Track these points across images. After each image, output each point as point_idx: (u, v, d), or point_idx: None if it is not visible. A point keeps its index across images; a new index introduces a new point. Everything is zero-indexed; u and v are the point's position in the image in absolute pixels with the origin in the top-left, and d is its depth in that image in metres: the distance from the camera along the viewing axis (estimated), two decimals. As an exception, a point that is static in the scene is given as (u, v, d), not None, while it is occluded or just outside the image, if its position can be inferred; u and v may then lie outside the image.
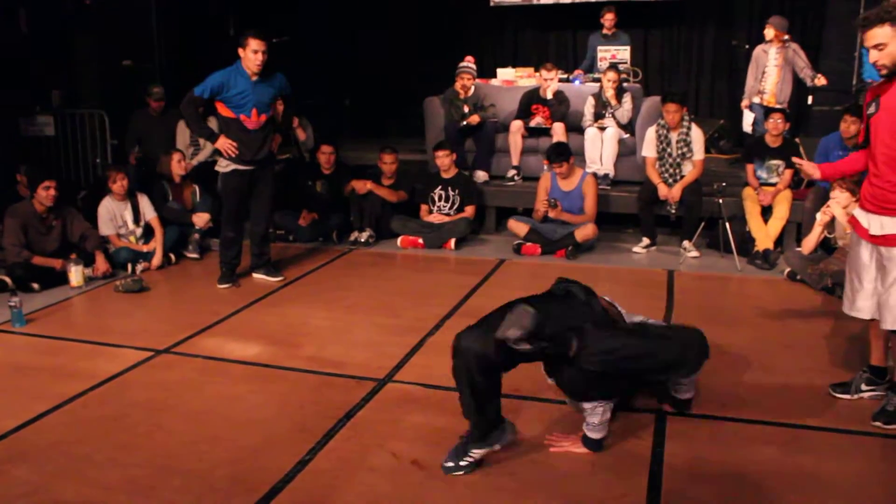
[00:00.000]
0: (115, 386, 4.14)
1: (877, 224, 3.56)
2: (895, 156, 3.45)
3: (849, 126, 6.51)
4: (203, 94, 5.59)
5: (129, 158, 8.28)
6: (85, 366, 4.41)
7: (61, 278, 5.95)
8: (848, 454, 3.36)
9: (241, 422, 3.70)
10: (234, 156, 5.71)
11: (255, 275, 6.17)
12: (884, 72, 3.44)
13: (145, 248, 6.54)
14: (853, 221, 3.76)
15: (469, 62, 8.18)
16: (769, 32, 7.82)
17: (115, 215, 6.51)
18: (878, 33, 3.35)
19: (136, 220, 6.61)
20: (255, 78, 5.63)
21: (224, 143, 5.68)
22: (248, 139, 5.73)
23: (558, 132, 7.68)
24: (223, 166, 5.87)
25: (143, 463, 3.32)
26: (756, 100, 8.06)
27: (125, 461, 3.34)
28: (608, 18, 9.16)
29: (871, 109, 3.55)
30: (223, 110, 5.70)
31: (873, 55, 3.42)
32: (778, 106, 7.77)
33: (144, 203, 6.67)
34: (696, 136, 6.90)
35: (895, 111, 3.44)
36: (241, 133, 5.70)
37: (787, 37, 7.85)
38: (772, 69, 7.88)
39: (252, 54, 5.53)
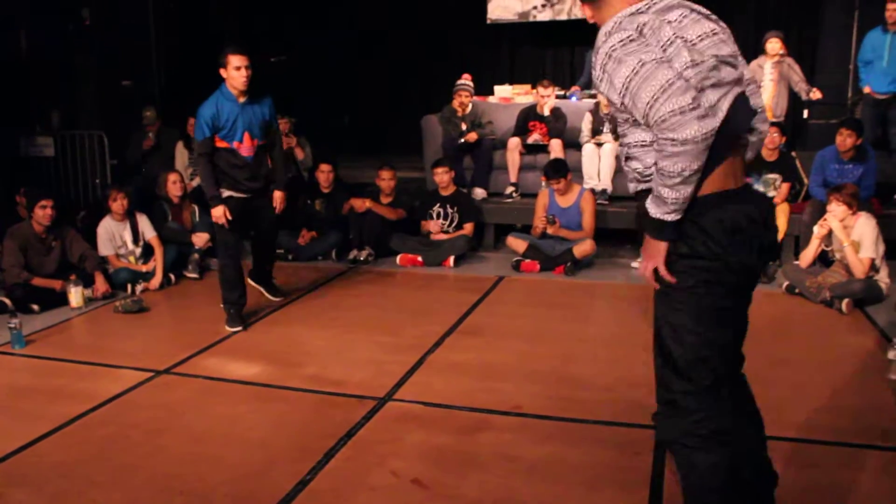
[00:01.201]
0: (115, 407, 4.14)
1: None
2: None
3: (845, 139, 6.54)
4: (205, 133, 5.21)
5: (144, 144, 8.36)
6: (85, 387, 4.40)
7: (61, 299, 5.95)
8: (850, 468, 3.35)
9: (241, 442, 3.70)
10: (225, 225, 5.35)
11: (250, 282, 5.90)
12: None
13: (144, 269, 6.55)
14: None
15: (466, 80, 8.22)
16: (776, 45, 7.85)
17: (114, 235, 6.53)
18: None
19: (136, 241, 6.62)
20: (242, 99, 5.24)
21: (218, 212, 5.30)
22: (245, 168, 5.39)
23: (556, 148, 7.71)
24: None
25: (144, 484, 3.32)
26: None
27: (126, 482, 3.34)
28: None
29: None
30: (216, 142, 5.30)
31: None
32: (774, 120, 7.80)
33: (144, 223, 6.68)
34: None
35: None
36: (236, 162, 5.35)
37: (783, 51, 7.90)
38: (767, 83, 7.92)
39: (235, 72, 5.13)
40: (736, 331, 2.49)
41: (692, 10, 2.33)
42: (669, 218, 2.24)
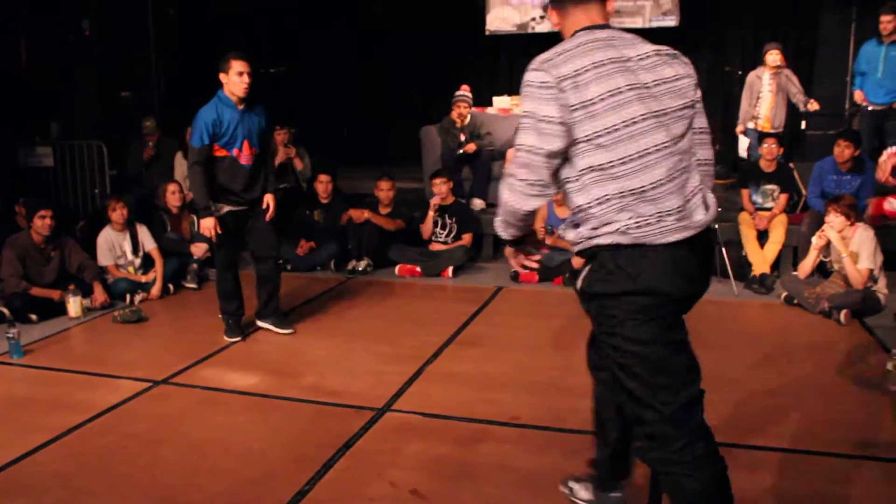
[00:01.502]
0: (113, 417, 4.13)
1: None
2: None
3: (843, 150, 6.56)
4: (203, 141, 5.05)
5: (145, 153, 8.37)
6: (83, 397, 4.40)
7: (59, 309, 5.95)
8: (847, 479, 3.35)
9: (240, 452, 3.69)
10: (213, 239, 5.25)
11: (259, 323, 5.59)
12: None
13: (144, 279, 6.55)
14: None
15: (465, 91, 8.24)
16: (776, 57, 7.87)
17: (113, 245, 6.53)
18: None
19: (135, 251, 6.62)
20: (241, 106, 5.14)
21: (208, 223, 5.15)
22: (244, 177, 5.27)
23: (554, 159, 7.71)
24: (215, 208, 5.27)
25: (142, 495, 3.31)
26: (750, 125, 8.13)
27: (124, 493, 3.33)
28: None
29: None
30: (214, 150, 5.16)
31: None
32: (772, 131, 7.83)
33: (143, 233, 6.69)
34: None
35: None
36: (236, 171, 5.21)
37: (782, 63, 7.94)
38: (766, 94, 7.95)
39: (237, 77, 5.06)
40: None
41: (616, 61, 2.35)
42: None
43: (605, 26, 2.50)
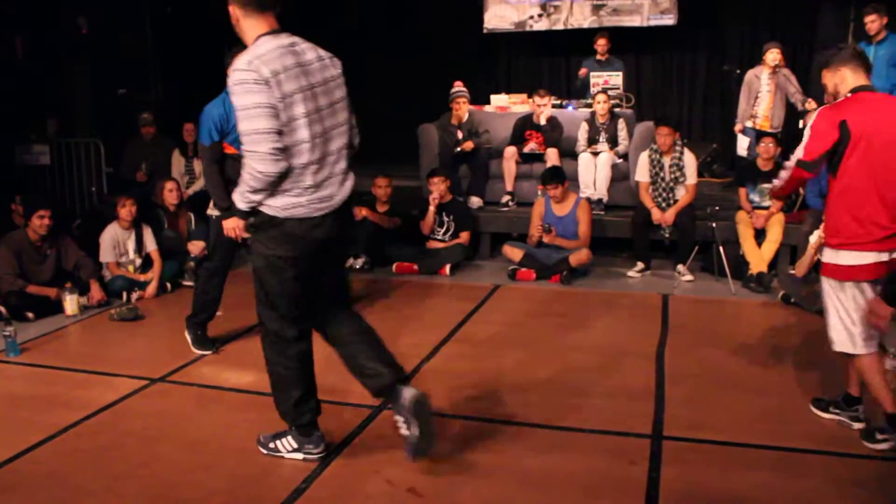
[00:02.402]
0: (110, 415, 4.13)
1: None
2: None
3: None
4: (213, 138, 4.81)
5: (137, 176, 8.29)
6: (80, 395, 4.39)
7: (56, 307, 5.94)
8: (844, 478, 3.36)
9: (237, 450, 3.69)
10: (238, 240, 4.79)
11: None
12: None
13: (143, 278, 6.53)
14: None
15: (459, 86, 8.22)
16: (776, 56, 7.88)
17: (118, 242, 6.51)
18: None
19: (138, 250, 6.61)
20: None
21: (231, 224, 4.74)
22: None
23: (552, 157, 7.72)
24: (212, 211, 5.06)
25: (138, 493, 3.31)
26: (749, 124, 8.13)
27: (121, 491, 3.33)
28: (601, 44, 9.24)
29: None
30: (224, 148, 4.90)
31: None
32: (771, 130, 7.84)
33: (148, 234, 6.66)
34: (689, 160, 6.95)
35: None
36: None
37: (782, 63, 7.94)
38: (764, 94, 7.95)
39: None
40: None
41: (298, 65, 3.15)
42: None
43: (281, 31, 3.22)
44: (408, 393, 3.35)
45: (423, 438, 3.30)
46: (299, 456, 3.53)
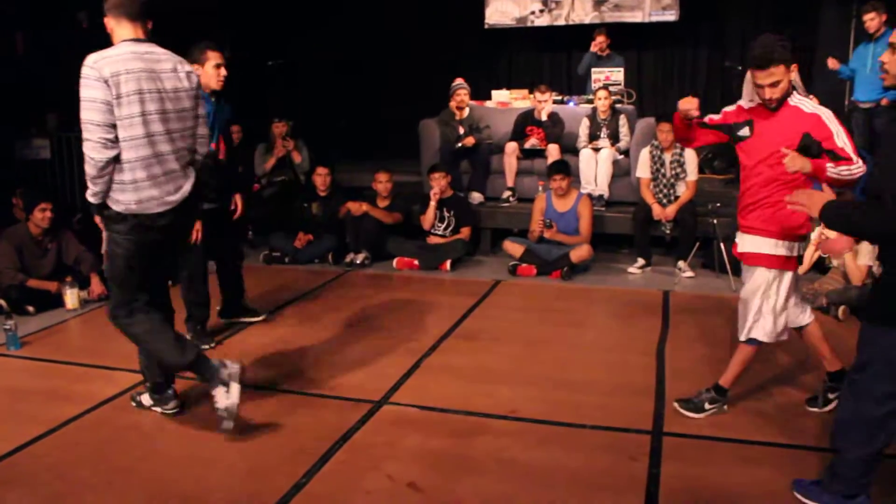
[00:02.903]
0: (110, 409, 4.13)
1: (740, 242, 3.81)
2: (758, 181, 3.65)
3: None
4: None
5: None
6: (80, 389, 4.39)
7: (56, 301, 5.94)
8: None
9: (236, 444, 3.69)
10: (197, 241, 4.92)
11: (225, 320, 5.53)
12: (773, 105, 3.61)
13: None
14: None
15: (460, 81, 8.22)
16: None
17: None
18: (775, 72, 3.51)
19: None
20: (213, 98, 4.89)
21: (197, 226, 4.83)
22: (221, 173, 5.01)
23: (553, 153, 7.72)
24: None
25: (139, 486, 3.31)
26: None
27: (121, 485, 3.33)
28: (599, 41, 9.22)
29: (744, 132, 3.74)
30: None
31: (768, 92, 3.57)
32: None
33: None
34: (690, 156, 6.95)
35: (771, 142, 3.59)
36: (215, 166, 4.87)
37: None
38: None
39: (214, 69, 4.83)
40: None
41: (146, 70, 3.57)
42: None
43: (145, 40, 3.64)
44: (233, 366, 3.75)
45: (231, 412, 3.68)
46: (158, 409, 4.02)
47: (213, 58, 4.86)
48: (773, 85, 3.54)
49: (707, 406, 3.89)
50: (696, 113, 3.93)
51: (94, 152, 3.45)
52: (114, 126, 3.47)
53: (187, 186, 3.75)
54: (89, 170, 3.49)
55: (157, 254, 3.78)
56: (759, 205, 3.67)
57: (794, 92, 3.66)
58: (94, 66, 3.45)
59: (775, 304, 3.70)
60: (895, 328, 2.76)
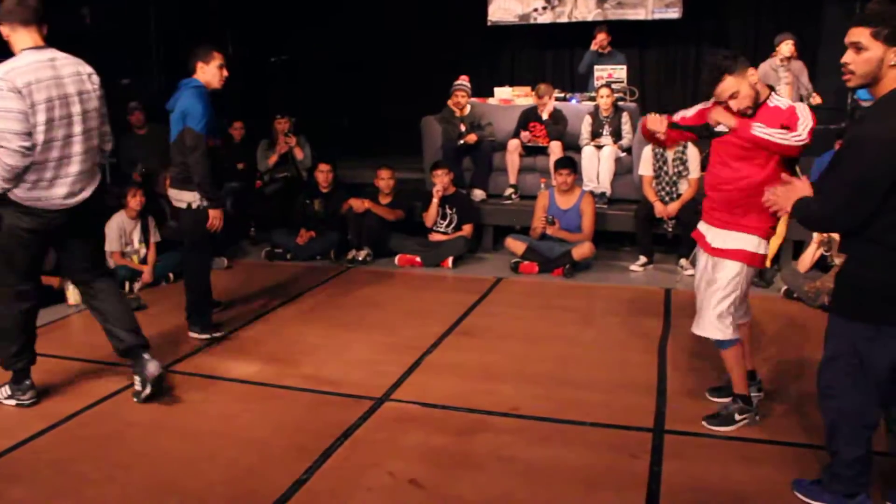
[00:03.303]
0: (112, 404, 4.14)
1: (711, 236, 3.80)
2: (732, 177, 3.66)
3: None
4: (205, 129, 4.94)
5: (134, 176, 8.27)
6: (82, 384, 4.40)
7: (59, 297, 5.94)
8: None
9: (238, 440, 3.69)
10: (218, 230, 5.18)
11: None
12: (749, 112, 3.60)
13: (144, 268, 6.53)
14: (697, 235, 3.95)
15: (463, 80, 8.21)
16: (788, 48, 7.84)
17: (124, 232, 6.51)
18: (726, 87, 3.58)
19: (143, 241, 6.60)
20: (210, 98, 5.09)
21: (217, 215, 5.10)
22: (219, 167, 5.26)
23: (555, 150, 7.71)
24: (194, 199, 5.06)
25: (140, 482, 3.32)
26: None
27: (123, 480, 3.34)
28: (600, 39, 9.18)
29: (722, 127, 3.72)
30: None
31: (734, 105, 3.61)
32: None
33: (153, 226, 6.66)
34: (693, 154, 6.93)
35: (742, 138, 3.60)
36: (216, 161, 5.10)
37: (794, 54, 7.90)
38: (783, 86, 7.88)
39: (218, 70, 5.05)
40: None
41: (53, 78, 3.79)
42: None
43: (44, 46, 3.83)
44: (152, 366, 4.08)
45: (148, 397, 4.07)
46: (13, 402, 4.07)
47: (218, 58, 5.08)
48: (733, 97, 3.56)
49: (738, 417, 3.78)
50: (663, 137, 3.96)
51: (12, 160, 3.64)
52: (30, 134, 3.67)
53: (90, 189, 3.99)
54: (3, 173, 3.65)
55: (47, 246, 4.09)
56: (739, 202, 3.66)
57: (773, 93, 3.66)
58: (7, 78, 3.63)
59: (736, 299, 3.71)
60: (858, 320, 2.82)
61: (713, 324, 3.70)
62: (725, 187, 3.69)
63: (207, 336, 5.17)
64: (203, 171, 4.94)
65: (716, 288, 3.69)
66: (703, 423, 3.78)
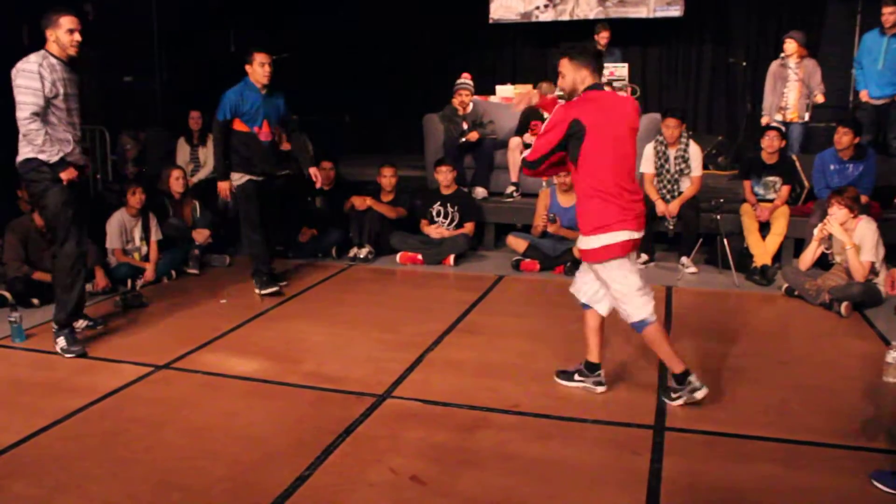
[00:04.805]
0: (114, 401, 4.15)
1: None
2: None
3: (841, 137, 6.56)
4: (225, 115, 5.89)
5: (126, 171, 8.32)
6: (85, 381, 4.41)
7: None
8: (846, 470, 3.36)
9: (240, 437, 3.70)
10: (227, 199, 6.30)
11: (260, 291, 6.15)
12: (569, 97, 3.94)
13: (146, 266, 6.54)
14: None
15: (466, 78, 8.22)
16: (791, 46, 7.83)
17: (125, 229, 6.53)
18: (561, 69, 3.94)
19: (145, 238, 6.62)
20: (263, 91, 5.94)
21: (224, 186, 6.06)
22: (262, 151, 6.03)
23: (557, 148, 7.70)
24: (237, 178, 6.03)
25: (142, 478, 3.33)
26: (778, 117, 7.97)
27: (125, 476, 3.35)
28: (603, 37, 9.19)
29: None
30: (237, 125, 5.94)
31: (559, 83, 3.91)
32: (798, 121, 7.81)
33: (154, 224, 6.68)
34: (694, 152, 6.94)
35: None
36: (255, 145, 5.97)
37: (804, 52, 7.89)
38: (793, 84, 7.87)
39: (260, 67, 5.88)
40: None
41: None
42: None
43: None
44: None
45: None
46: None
47: (259, 58, 5.91)
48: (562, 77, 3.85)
49: (674, 395, 3.98)
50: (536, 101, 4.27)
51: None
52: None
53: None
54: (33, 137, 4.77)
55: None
56: (603, 201, 4.08)
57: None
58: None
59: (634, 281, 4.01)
60: None
61: None
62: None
63: (268, 290, 6.07)
64: (216, 146, 6.10)
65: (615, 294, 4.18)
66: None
